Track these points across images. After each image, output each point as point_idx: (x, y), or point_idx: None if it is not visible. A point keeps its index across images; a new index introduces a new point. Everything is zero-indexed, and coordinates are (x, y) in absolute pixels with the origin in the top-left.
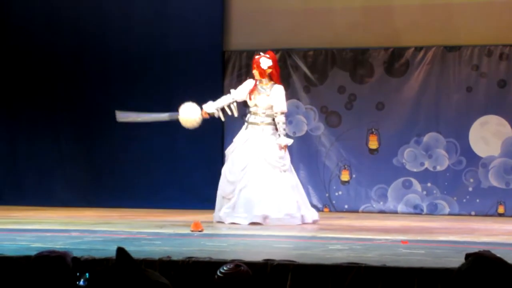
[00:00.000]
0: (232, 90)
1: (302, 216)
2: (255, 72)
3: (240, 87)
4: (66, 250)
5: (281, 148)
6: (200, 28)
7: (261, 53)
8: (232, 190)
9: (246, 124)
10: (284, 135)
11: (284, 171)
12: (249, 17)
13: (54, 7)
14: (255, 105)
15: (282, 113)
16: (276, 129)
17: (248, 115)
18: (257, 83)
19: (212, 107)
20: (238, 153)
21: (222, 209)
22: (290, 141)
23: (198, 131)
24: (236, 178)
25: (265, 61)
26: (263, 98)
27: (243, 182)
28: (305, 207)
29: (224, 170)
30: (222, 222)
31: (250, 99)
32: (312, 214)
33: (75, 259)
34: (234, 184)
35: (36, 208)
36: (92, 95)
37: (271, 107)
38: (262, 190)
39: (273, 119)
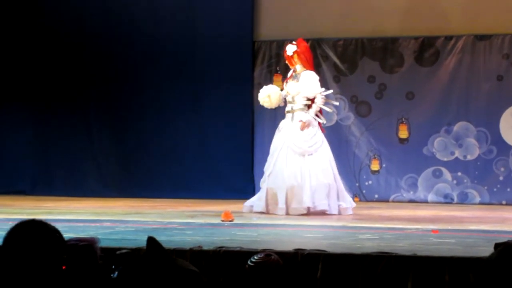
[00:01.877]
0: None
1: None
2: (287, 62)
3: None
4: (93, 237)
5: (301, 123)
6: (230, 18)
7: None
8: (264, 179)
9: (286, 114)
10: (316, 115)
11: (309, 154)
12: (279, 7)
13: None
14: (288, 93)
15: (316, 95)
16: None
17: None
18: (293, 72)
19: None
20: (272, 143)
21: (254, 198)
22: (308, 117)
23: (228, 121)
24: (267, 166)
25: (290, 48)
26: (292, 85)
27: (269, 169)
28: (318, 195)
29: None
30: (263, 212)
31: (282, 88)
32: (325, 204)
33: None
34: (266, 172)
35: (68, 198)
36: (122, 87)
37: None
38: (284, 180)
39: (306, 106)
